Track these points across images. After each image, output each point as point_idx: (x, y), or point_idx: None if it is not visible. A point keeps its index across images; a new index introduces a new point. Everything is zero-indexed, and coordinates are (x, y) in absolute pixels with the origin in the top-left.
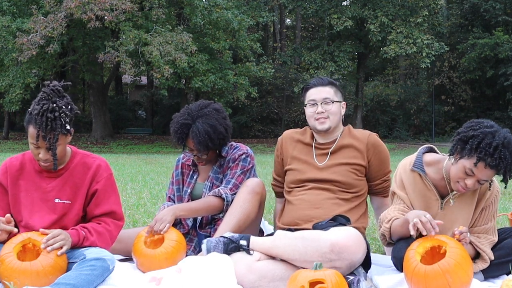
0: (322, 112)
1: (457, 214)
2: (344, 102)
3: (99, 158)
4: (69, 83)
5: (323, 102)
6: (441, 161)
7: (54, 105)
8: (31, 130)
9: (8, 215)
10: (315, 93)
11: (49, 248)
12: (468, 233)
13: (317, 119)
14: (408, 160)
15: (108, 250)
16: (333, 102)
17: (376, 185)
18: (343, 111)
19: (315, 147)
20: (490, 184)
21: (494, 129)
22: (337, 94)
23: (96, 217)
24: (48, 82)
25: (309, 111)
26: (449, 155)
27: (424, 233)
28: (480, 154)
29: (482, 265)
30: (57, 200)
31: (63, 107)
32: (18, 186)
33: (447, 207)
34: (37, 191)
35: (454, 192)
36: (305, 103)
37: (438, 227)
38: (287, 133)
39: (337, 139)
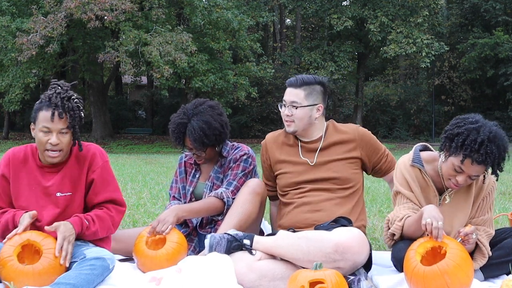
0: (288, 115)
1: (456, 210)
2: (319, 105)
3: (93, 147)
4: (76, 82)
5: (290, 105)
6: (436, 158)
7: (67, 92)
8: (43, 114)
9: (35, 212)
10: (286, 94)
11: (61, 262)
12: (474, 234)
13: (285, 120)
14: (406, 158)
15: (111, 235)
16: (296, 108)
17: (381, 165)
18: (316, 114)
19: (301, 146)
20: (484, 177)
21: (479, 125)
22: (309, 97)
23: (96, 204)
24: (56, 81)
25: (281, 110)
26: (439, 153)
27: (429, 235)
28: (465, 152)
29: (481, 260)
30: (58, 194)
31: (75, 95)
32: (20, 178)
33: (445, 205)
34: (39, 186)
35: (450, 189)
36: None
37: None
38: (270, 136)
39: (322, 136)
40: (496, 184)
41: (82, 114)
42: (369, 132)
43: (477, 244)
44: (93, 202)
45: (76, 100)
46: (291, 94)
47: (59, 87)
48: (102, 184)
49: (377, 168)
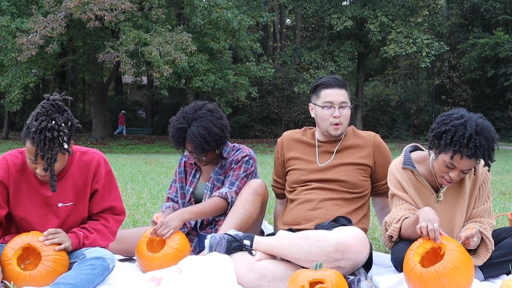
0: (339, 116)
1: (454, 205)
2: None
3: (96, 154)
4: (70, 98)
5: (340, 106)
6: (427, 157)
7: (53, 122)
8: (29, 146)
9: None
10: (332, 95)
11: (47, 242)
12: (476, 238)
13: (332, 124)
14: (398, 161)
15: (110, 244)
16: (348, 108)
17: (381, 185)
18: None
19: (318, 146)
20: (475, 168)
21: (465, 119)
22: (349, 96)
23: (95, 214)
24: (48, 95)
25: (324, 113)
26: (428, 152)
27: (426, 238)
28: (455, 148)
29: (485, 254)
30: (60, 205)
31: (62, 124)
32: (20, 187)
33: (443, 201)
34: (39, 195)
35: (444, 186)
36: (319, 103)
37: (440, 239)
38: (287, 133)
39: (341, 139)
40: (490, 173)
41: (66, 146)
42: (386, 146)
43: (482, 239)
44: (93, 211)
45: (61, 132)
46: (340, 94)
47: (47, 114)
48: (104, 193)
49: (373, 186)
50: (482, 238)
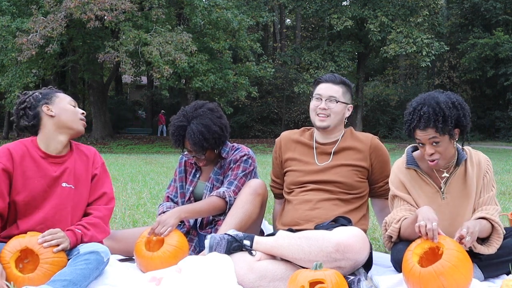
0: (325, 109)
1: (461, 201)
2: (351, 105)
3: (91, 147)
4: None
5: (328, 100)
6: None
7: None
8: (61, 94)
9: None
10: (323, 89)
11: (45, 244)
12: (468, 237)
13: (318, 114)
14: (401, 161)
15: (110, 245)
16: (337, 102)
17: (379, 188)
18: (347, 113)
19: (316, 147)
20: (459, 140)
21: (411, 102)
22: (345, 95)
23: (89, 204)
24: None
25: (312, 104)
26: (413, 149)
27: (424, 237)
28: (409, 128)
29: (497, 241)
30: (64, 184)
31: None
32: (25, 171)
33: (449, 197)
34: (44, 177)
35: (443, 175)
36: (312, 96)
37: (437, 238)
38: (285, 134)
39: (338, 140)
40: (491, 162)
41: None
42: (384, 148)
43: (492, 226)
44: (90, 197)
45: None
46: (330, 89)
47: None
48: (100, 179)
49: (371, 188)
50: (492, 225)
